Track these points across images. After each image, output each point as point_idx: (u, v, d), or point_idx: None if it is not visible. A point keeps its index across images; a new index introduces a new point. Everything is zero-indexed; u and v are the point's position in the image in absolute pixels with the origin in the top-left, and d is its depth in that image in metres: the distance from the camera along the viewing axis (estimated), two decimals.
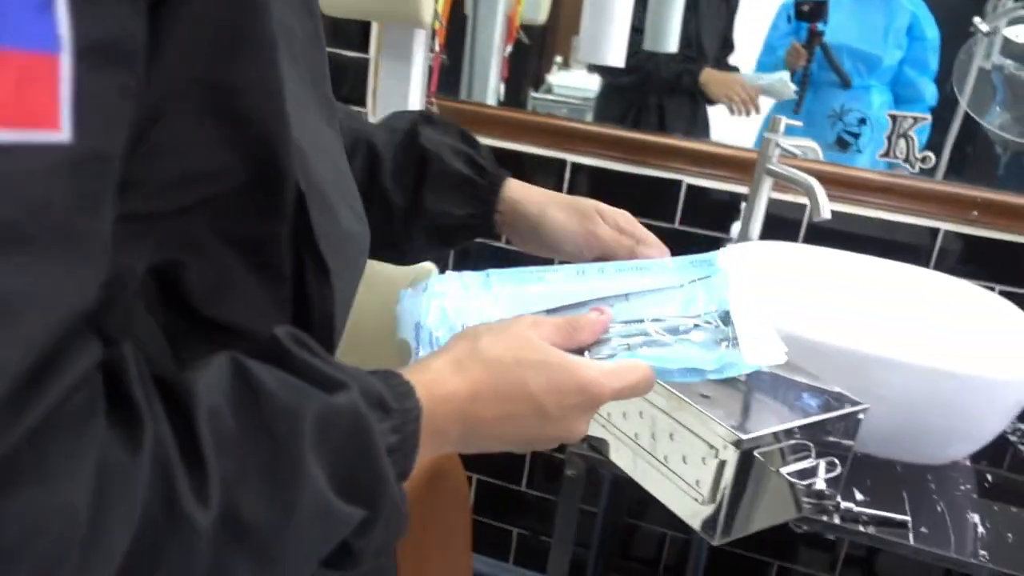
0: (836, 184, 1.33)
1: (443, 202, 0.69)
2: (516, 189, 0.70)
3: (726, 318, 0.57)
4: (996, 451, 1.04)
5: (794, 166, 1.24)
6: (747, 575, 1.59)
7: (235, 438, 0.36)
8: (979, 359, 1.05)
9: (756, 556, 1.58)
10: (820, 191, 1.13)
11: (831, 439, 0.85)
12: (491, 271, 0.61)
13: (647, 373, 0.53)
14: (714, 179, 1.39)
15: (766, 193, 1.26)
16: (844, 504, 0.88)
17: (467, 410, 0.46)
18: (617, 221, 0.69)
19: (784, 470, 0.81)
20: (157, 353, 0.41)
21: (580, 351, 0.53)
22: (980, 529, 0.89)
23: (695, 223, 1.41)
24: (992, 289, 1.31)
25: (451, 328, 0.56)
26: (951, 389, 0.91)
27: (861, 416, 0.85)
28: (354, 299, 0.51)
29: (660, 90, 1.62)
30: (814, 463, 0.85)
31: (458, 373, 0.46)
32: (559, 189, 1.45)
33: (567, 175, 1.44)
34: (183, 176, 0.37)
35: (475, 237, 0.72)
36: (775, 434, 0.79)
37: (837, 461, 0.86)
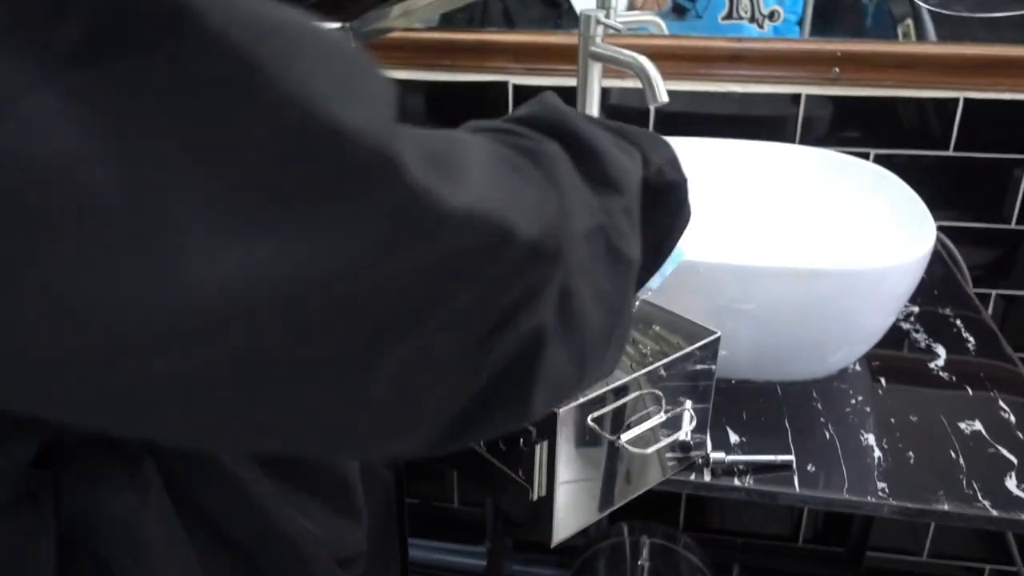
0: (677, 59, 1.14)
1: None
2: None
3: None
4: (890, 344, 0.89)
5: (629, 46, 1.04)
6: (658, 509, 1.46)
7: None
8: (850, 249, 0.89)
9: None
10: (653, 71, 0.93)
11: (688, 378, 0.68)
12: None
13: None
14: (542, 74, 1.18)
15: (597, 82, 1.05)
16: (715, 455, 0.71)
17: None
18: None
19: (628, 436, 0.63)
20: None
21: None
22: (877, 452, 0.74)
23: None
24: (867, 156, 1.16)
25: None
26: (820, 291, 0.74)
27: (714, 351, 0.68)
28: None
29: None
30: (675, 411, 0.68)
31: None
32: None
33: None
34: None
35: None
36: (603, 396, 0.62)
37: (697, 405, 0.69)
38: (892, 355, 0.88)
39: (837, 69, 1.12)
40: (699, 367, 0.68)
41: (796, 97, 1.14)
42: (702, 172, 1.02)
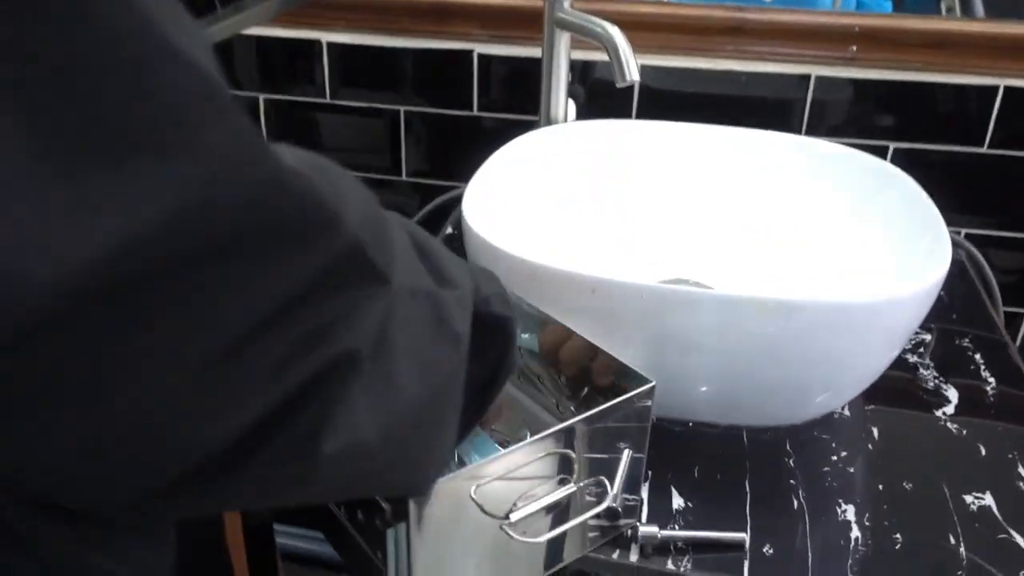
0: (669, 30, 0.98)
1: None
2: None
3: None
4: (891, 382, 0.74)
5: (609, 13, 0.89)
6: None
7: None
8: (845, 271, 0.74)
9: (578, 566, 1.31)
10: (622, 44, 0.78)
11: (617, 421, 0.54)
12: None
13: None
14: (512, 42, 1.02)
15: (565, 53, 0.90)
16: (645, 529, 0.57)
17: None
18: None
19: (519, 514, 0.50)
20: None
21: None
22: (855, 531, 0.59)
23: (500, 106, 1.06)
24: (885, 151, 0.99)
25: None
26: (798, 326, 0.59)
27: (646, 402, 0.53)
28: None
29: None
30: (590, 480, 0.54)
31: None
32: (314, 81, 1.09)
33: (324, 62, 1.07)
34: None
35: None
36: (496, 461, 0.48)
37: (630, 459, 0.55)
38: (891, 397, 0.73)
39: (855, 47, 0.95)
40: (633, 409, 0.54)
41: (805, 78, 0.98)
42: (677, 166, 0.87)
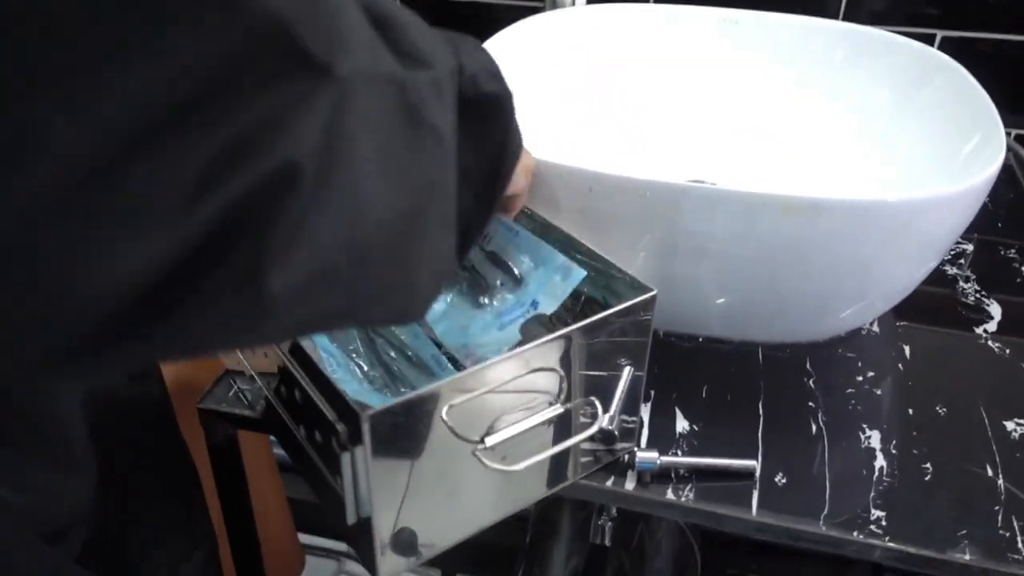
0: None
1: None
2: None
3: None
4: (927, 297, 0.67)
5: None
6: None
7: None
8: (879, 175, 0.66)
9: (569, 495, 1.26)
10: None
11: (611, 348, 0.48)
12: None
13: None
14: None
15: None
16: (643, 454, 0.51)
17: None
18: None
19: (496, 438, 0.44)
20: None
21: None
22: (880, 460, 0.53)
23: None
24: (932, 39, 0.89)
25: None
26: (824, 229, 0.52)
27: (647, 314, 0.47)
28: None
29: None
30: (578, 401, 0.48)
31: None
32: None
33: None
34: None
35: None
36: (473, 376, 0.42)
37: (629, 377, 0.49)
38: (926, 313, 0.66)
39: None
40: (632, 321, 0.47)
41: None
42: (696, 54, 0.78)
